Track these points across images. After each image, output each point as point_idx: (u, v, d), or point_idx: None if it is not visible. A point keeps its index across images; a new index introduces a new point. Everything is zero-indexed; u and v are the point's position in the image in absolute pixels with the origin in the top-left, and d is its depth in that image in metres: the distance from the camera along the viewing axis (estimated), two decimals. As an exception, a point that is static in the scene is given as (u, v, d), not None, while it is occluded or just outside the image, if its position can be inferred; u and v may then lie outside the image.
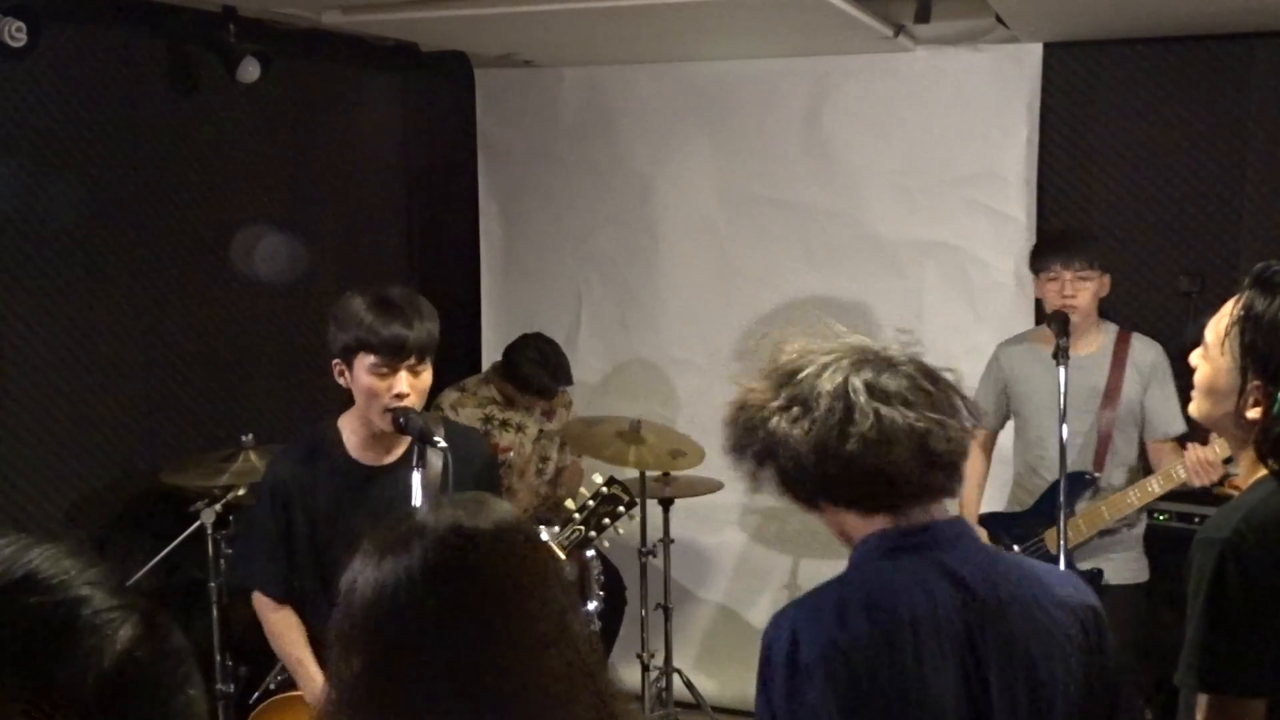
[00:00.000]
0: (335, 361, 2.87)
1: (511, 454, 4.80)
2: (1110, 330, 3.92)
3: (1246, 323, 1.96)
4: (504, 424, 4.75)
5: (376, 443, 2.94)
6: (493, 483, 3.11)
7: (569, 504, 3.18)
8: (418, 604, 1.44)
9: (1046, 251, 3.90)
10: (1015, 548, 3.83)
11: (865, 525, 1.78)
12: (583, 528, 3.10)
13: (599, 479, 3.18)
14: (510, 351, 4.75)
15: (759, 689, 1.72)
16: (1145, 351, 3.88)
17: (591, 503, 3.13)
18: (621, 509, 3.15)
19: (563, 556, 3.05)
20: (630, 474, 4.21)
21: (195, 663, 0.92)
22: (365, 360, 2.80)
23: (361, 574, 1.48)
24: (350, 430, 2.96)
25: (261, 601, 3.00)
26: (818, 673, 1.65)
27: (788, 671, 1.67)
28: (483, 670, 1.42)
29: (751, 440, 1.83)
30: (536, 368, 4.64)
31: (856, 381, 1.74)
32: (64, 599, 0.85)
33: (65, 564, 0.87)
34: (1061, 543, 3.45)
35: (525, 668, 1.43)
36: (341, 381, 2.89)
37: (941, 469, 1.73)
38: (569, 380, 4.75)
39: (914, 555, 1.73)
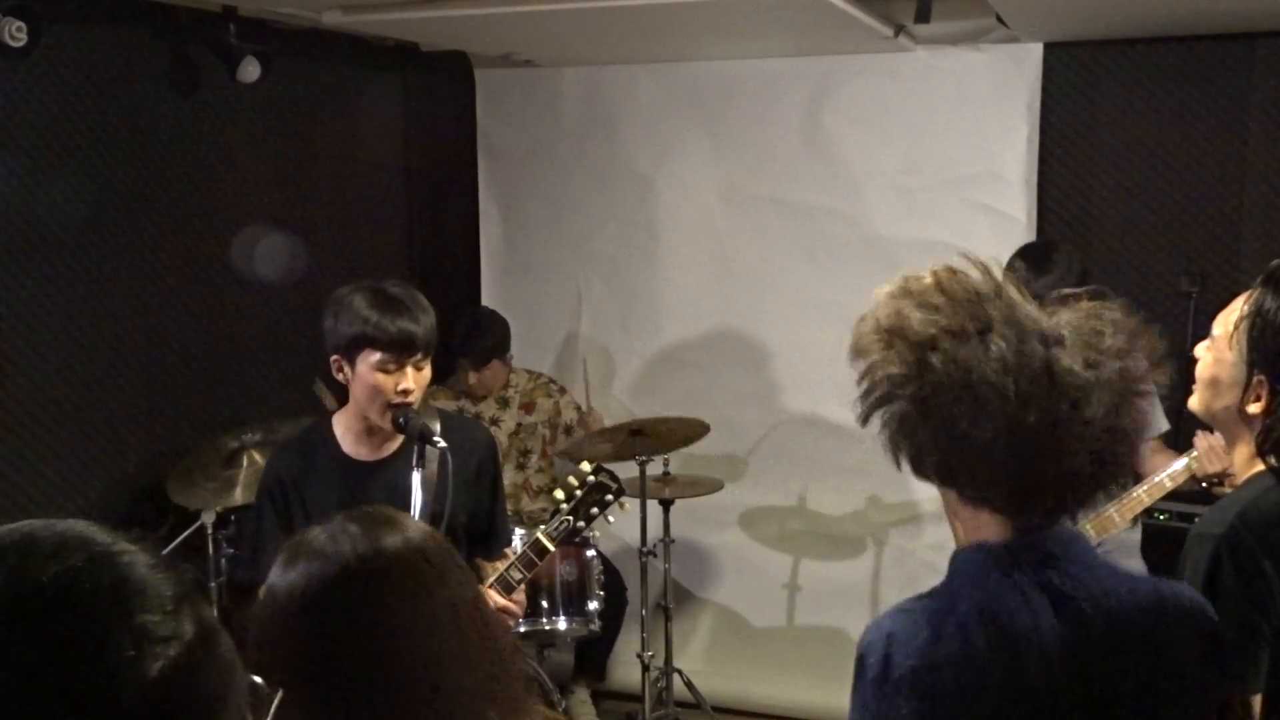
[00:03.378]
0: (335, 358, 2.84)
1: None
2: None
3: (1256, 319, 1.98)
4: (476, 418, 4.77)
5: (371, 438, 2.93)
6: (495, 469, 3.10)
7: (557, 494, 3.16)
8: (293, 623, 1.45)
9: (1049, 290, 3.77)
10: None
11: (984, 524, 1.64)
12: (571, 518, 3.08)
13: (586, 467, 3.16)
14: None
15: (854, 690, 1.64)
16: None
17: (579, 492, 3.10)
18: (610, 497, 3.12)
19: (552, 547, 3.04)
20: (630, 473, 4.22)
21: (241, 677, 0.90)
22: (370, 357, 2.77)
23: (271, 583, 1.50)
24: (345, 427, 2.95)
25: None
26: (908, 687, 1.58)
27: (879, 681, 1.60)
28: (353, 703, 1.41)
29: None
30: (474, 334, 4.75)
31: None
32: (123, 601, 0.83)
33: (128, 556, 0.85)
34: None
35: (393, 712, 1.42)
36: (340, 378, 2.86)
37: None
38: (505, 346, 4.78)
39: (1026, 571, 1.61)
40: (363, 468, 2.93)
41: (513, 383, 4.96)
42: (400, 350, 2.77)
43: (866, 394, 1.62)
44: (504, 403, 4.92)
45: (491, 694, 1.46)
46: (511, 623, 3.07)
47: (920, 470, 1.63)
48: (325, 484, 2.92)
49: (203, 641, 0.86)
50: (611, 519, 3.19)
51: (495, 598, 2.93)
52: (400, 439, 2.91)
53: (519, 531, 3.86)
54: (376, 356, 2.77)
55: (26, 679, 0.77)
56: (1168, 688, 1.63)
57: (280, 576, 1.49)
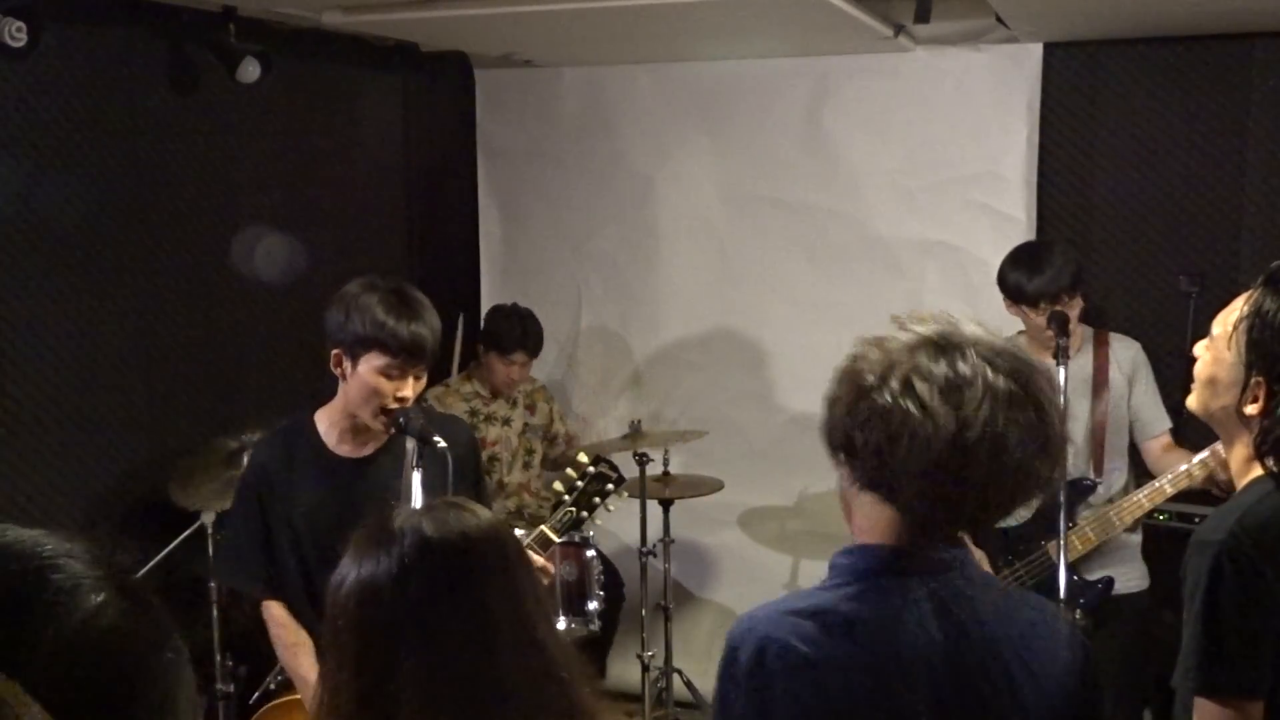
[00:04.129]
0: (336, 351, 2.81)
1: (498, 448, 4.82)
2: (1087, 331, 3.90)
3: (1255, 320, 1.98)
4: (489, 418, 4.78)
5: (354, 436, 2.91)
6: (476, 466, 3.10)
7: (557, 486, 3.17)
8: (393, 606, 1.50)
9: (1033, 288, 3.68)
10: (1015, 561, 3.79)
11: (877, 521, 1.63)
12: (574, 509, 3.09)
13: (585, 458, 3.17)
14: (490, 313, 4.97)
15: (720, 683, 1.62)
16: (1125, 351, 3.86)
17: (580, 483, 3.11)
18: (611, 485, 3.13)
19: (557, 539, 3.05)
20: (631, 473, 4.21)
21: (177, 630, 0.93)
22: (376, 360, 2.75)
23: (346, 575, 1.55)
24: (329, 423, 2.93)
25: (263, 603, 2.96)
26: (781, 684, 1.56)
27: (750, 675, 1.58)
28: (450, 672, 1.47)
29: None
30: (509, 321, 4.79)
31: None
32: (36, 566, 0.86)
33: (46, 540, 0.89)
34: (1062, 550, 3.37)
35: (492, 672, 1.47)
36: (337, 372, 2.84)
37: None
38: (532, 347, 4.82)
39: (912, 578, 1.61)
40: (347, 464, 2.92)
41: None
42: (408, 357, 2.76)
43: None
44: (513, 403, 4.94)
45: (565, 679, 1.54)
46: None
47: (837, 451, 1.62)
48: (307, 479, 2.90)
49: (129, 592, 0.90)
50: (611, 507, 3.20)
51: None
52: (384, 437, 2.90)
53: (519, 532, 3.86)
54: (382, 361, 2.75)
55: None
56: (1047, 705, 1.64)
57: (364, 564, 1.54)
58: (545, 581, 2.98)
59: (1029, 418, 1.54)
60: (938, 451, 1.51)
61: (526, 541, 3.07)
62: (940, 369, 1.54)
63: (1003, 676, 1.62)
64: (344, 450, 2.93)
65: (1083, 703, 1.69)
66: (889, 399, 1.54)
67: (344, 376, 2.83)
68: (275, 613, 2.94)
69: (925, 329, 1.60)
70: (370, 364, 2.77)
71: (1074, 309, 3.72)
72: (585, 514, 3.11)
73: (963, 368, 1.54)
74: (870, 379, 1.57)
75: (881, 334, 1.65)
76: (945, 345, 1.57)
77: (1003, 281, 3.82)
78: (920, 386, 1.53)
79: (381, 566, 1.51)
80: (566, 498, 3.11)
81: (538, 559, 2.93)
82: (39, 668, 0.81)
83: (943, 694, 1.58)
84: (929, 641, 1.58)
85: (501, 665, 1.48)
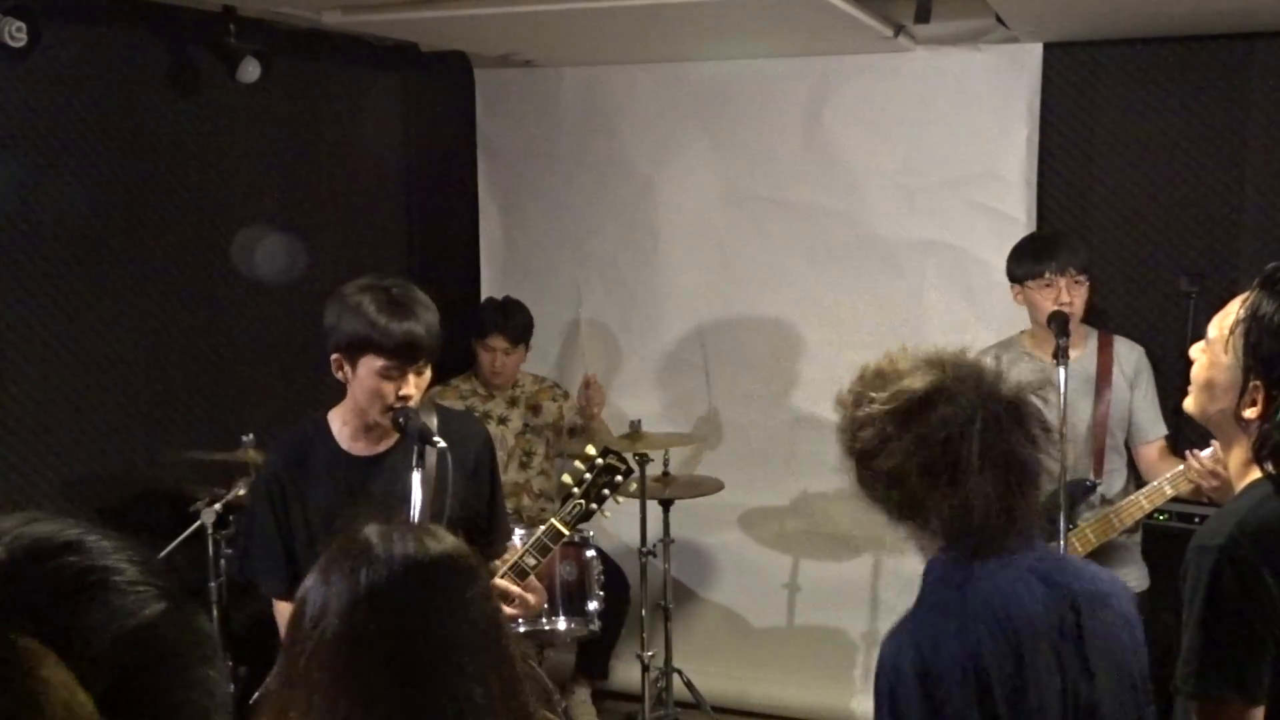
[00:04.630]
0: (335, 357, 2.82)
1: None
2: (1092, 334, 3.90)
3: (1252, 323, 1.96)
4: (485, 416, 4.78)
5: (368, 434, 2.93)
6: (492, 464, 3.10)
7: (566, 479, 3.17)
8: (356, 626, 1.50)
9: (1039, 257, 3.79)
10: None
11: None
12: (583, 501, 3.10)
13: (593, 450, 3.17)
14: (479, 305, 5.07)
15: (882, 704, 1.76)
16: (1129, 354, 3.87)
17: (589, 476, 3.12)
18: (620, 478, 3.14)
19: (567, 531, 3.05)
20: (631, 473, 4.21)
21: (220, 650, 0.94)
22: (373, 362, 2.76)
23: (311, 590, 1.55)
24: (341, 422, 2.94)
25: (275, 604, 2.96)
26: (954, 682, 1.70)
27: (920, 682, 1.71)
28: (407, 701, 1.46)
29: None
30: (489, 308, 4.88)
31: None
32: (103, 565, 0.89)
33: (109, 542, 0.91)
34: (1062, 551, 3.38)
35: (448, 706, 1.47)
36: (340, 376, 2.85)
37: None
38: (521, 333, 4.84)
39: (1002, 559, 1.79)
40: (361, 463, 2.93)
41: (519, 383, 4.98)
42: (404, 358, 2.76)
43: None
44: (512, 402, 4.93)
45: (508, 699, 1.52)
46: (534, 605, 3.09)
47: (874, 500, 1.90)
48: (323, 480, 2.92)
49: (184, 606, 0.92)
50: (620, 500, 3.21)
51: (510, 586, 2.94)
52: (396, 435, 2.91)
53: (519, 531, 3.87)
54: (380, 363, 2.76)
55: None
56: (1125, 644, 1.87)
57: (326, 583, 1.54)
58: (510, 610, 2.98)
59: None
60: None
61: (536, 535, 3.08)
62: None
63: (1103, 628, 1.83)
64: (358, 449, 2.94)
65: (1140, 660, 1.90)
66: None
67: (346, 380, 2.84)
68: (284, 609, 2.94)
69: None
70: (368, 366, 2.77)
71: (1079, 294, 3.73)
72: (595, 506, 3.11)
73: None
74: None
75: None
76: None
77: (1013, 259, 3.87)
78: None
79: (345, 587, 1.51)
80: (575, 490, 3.11)
81: (511, 587, 2.95)
82: (92, 660, 0.83)
83: (1067, 651, 1.78)
84: (1045, 607, 1.77)
85: (460, 694, 1.48)
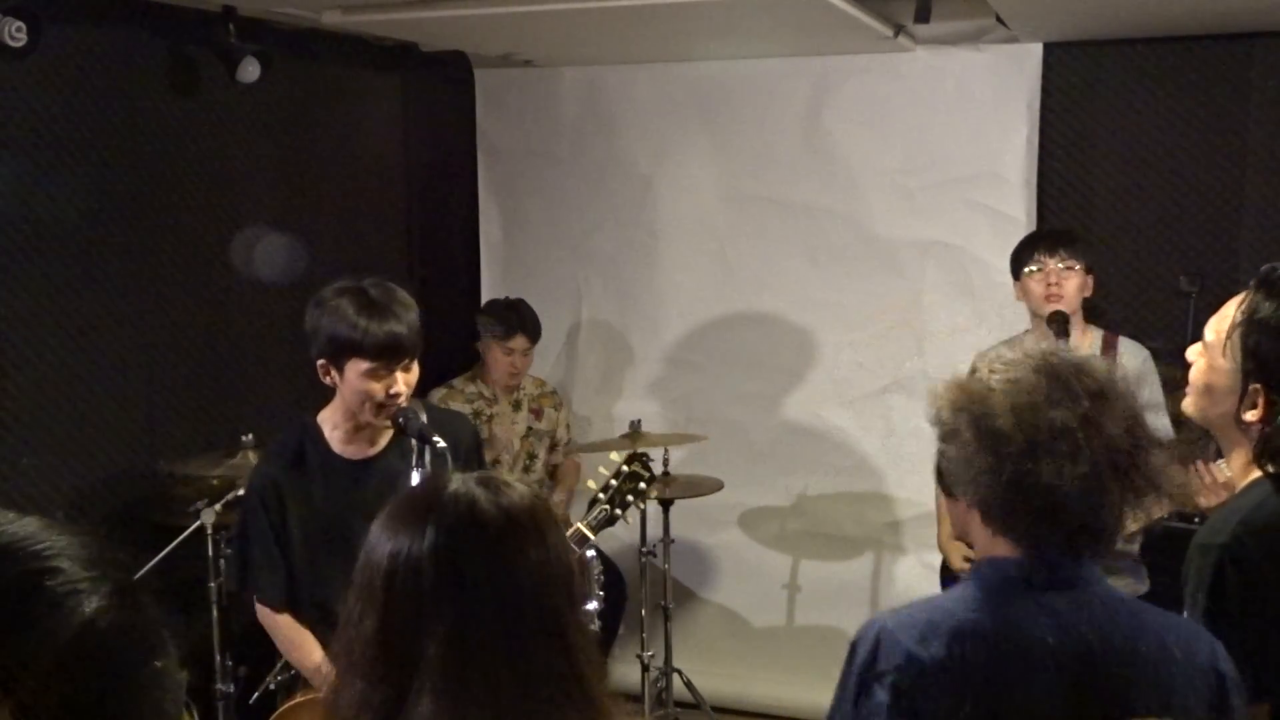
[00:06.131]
0: (321, 362, 2.82)
1: (500, 450, 4.82)
2: (1097, 334, 3.90)
3: (1251, 326, 1.95)
4: (492, 418, 4.78)
5: (360, 436, 2.92)
6: (480, 460, 3.10)
7: (591, 483, 3.17)
8: (422, 579, 1.47)
9: (1031, 245, 3.85)
10: None
11: (999, 546, 1.74)
12: (608, 506, 3.10)
13: (617, 456, 3.18)
14: (484, 307, 5.07)
15: (838, 684, 1.73)
16: (1133, 356, 3.86)
17: (614, 481, 3.12)
18: (644, 485, 3.14)
19: (592, 536, 3.05)
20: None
21: (168, 633, 0.93)
22: (358, 365, 2.76)
23: (379, 541, 1.52)
24: (332, 425, 2.94)
25: (262, 610, 2.96)
26: (890, 682, 1.65)
27: (864, 670, 1.68)
28: (473, 655, 1.45)
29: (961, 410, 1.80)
30: (505, 309, 4.87)
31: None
32: (31, 569, 0.86)
33: (41, 536, 0.89)
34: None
35: (514, 661, 1.46)
36: (328, 381, 2.85)
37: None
38: (539, 332, 4.85)
39: (1034, 593, 1.70)
40: (354, 466, 2.93)
41: (523, 386, 4.98)
42: (388, 358, 2.76)
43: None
44: (517, 405, 4.94)
45: (585, 676, 1.52)
46: None
47: (950, 491, 1.76)
48: (317, 485, 2.91)
49: (123, 596, 0.90)
50: (642, 505, 3.21)
51: None
52: (389, 435, 2.91)
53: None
54: (365, 365, 2.76)
55: None
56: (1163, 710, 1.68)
57: (398, 535, 1.51)
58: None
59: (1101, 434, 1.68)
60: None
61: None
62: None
63: (1123, 693, 1.68)
64: (350, 452, 2.94)
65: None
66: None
67: (334, 384, 2.84)
68: (278, 617, 2.95)
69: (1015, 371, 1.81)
70: (355, 369, 2.78)
71: (1069, 280, 3.72)
72: (619, 511, 3.11)
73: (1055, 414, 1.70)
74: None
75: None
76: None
77: (1012, 257, 3.91)
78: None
79: (414, 539, 1.49)
80: (601, 495, 3.12)
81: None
82: (30, 688, 0.80)
83: (1055, 707, 1.65)
84: (1044, 656, 1.66)
85: (526, 654, 1.47)
